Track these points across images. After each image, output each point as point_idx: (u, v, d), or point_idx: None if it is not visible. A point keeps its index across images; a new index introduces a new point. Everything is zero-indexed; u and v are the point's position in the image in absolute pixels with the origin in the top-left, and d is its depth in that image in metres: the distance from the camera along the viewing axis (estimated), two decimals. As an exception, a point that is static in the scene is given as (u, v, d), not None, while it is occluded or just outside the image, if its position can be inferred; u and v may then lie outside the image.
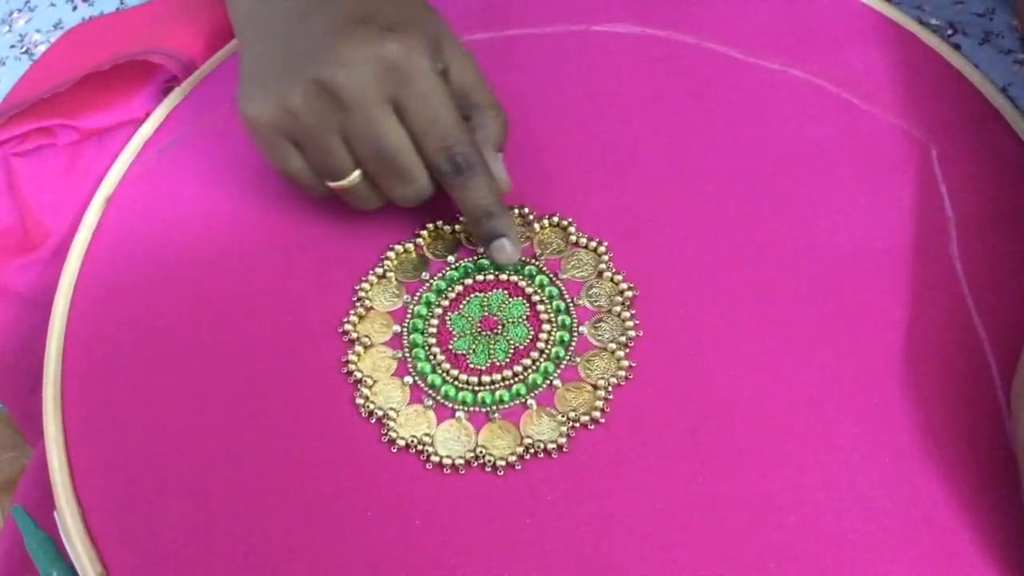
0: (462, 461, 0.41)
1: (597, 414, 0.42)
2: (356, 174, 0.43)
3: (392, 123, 0.42)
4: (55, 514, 0.41)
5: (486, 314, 0.45)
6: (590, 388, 0.43)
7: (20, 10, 0.62)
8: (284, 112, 0.41)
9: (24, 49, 0.60)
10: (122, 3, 0.62)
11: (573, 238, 0.47)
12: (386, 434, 0.42)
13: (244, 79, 0.43)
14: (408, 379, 0.44)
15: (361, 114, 0.41)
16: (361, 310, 0.46)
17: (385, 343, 0.45)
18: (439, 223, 0.48)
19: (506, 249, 0.44)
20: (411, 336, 0.45)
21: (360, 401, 0.43)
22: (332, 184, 0.44)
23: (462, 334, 0.45)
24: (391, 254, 0.47)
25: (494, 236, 0.44)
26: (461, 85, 0.44)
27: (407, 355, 0.45)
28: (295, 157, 0.43)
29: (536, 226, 0.48)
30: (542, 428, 0.42)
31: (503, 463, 0.41)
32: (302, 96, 0.41)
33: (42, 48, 0.60)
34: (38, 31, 0.61)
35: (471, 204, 0.43)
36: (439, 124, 0.42)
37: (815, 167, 0.48)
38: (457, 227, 0.48)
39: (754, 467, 0.40)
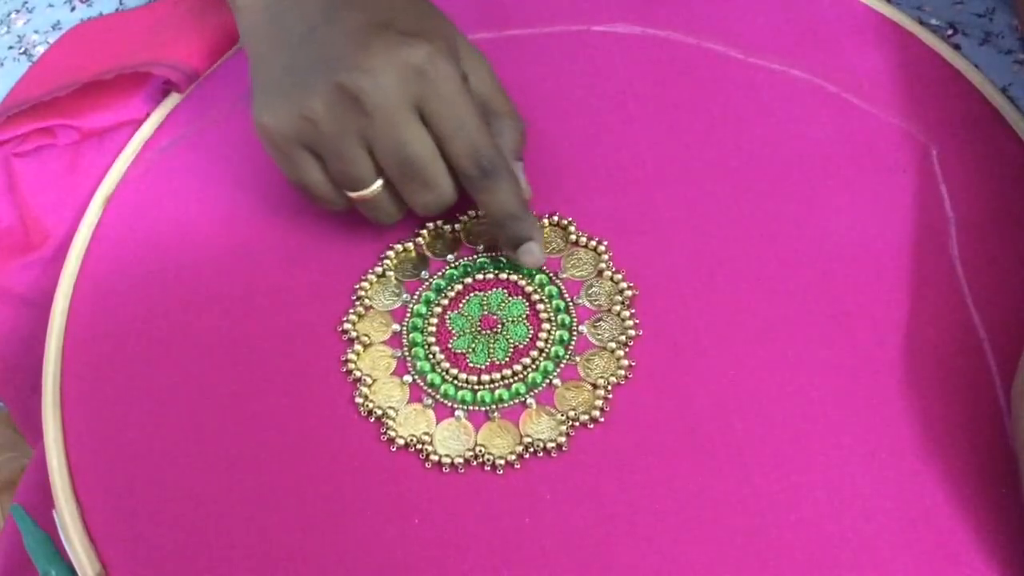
0: (461, 460, 0.41)
1: (597, 413, 0.42)
2: (379, 183, 0.43)
3: (417, 128, 0.41)
4: (54, 513, 0.41)
5: (486, 313, 0.45)
6: (589, 387, 0.43)
7: (18, 11, 0.62)
8: (303, 120, 0.41)
9: (22, 50, 0.60)
10: (121, 3, 0.62)
11: (573, 237, 0.47)
12: (385, 433, 0.42)
13: (258, 89, 0.43)
14: (407, 378, 0.44)
15: (385, 120, 0.41)
16: (360, 309, 0.46)
17: (384, 342, 0.45)
18: (439, 222, 0.48)
19: (534, 252, 0.44)
20: (410, 335, 0.45)
21: (359, 400, 0.43)
22: (353, 195, 0.43)
23: (461, 333, 0.45)
24: (391, 253, 0.47)
25: (521, 240, 0.44)
26: (480, 92, 0.44)
27: (406, 354, 0.44)
28: (314, 168, 0.43)
29: None
30: (541, 427, 0.42)
31: (502, 462, 0.41)
32: (323, 103, 0.40)
33: (40, 49, 0.60)
34: (36, 32, 0.61)
35: (498, 208, 0.43)
36: (465, 128, 0.41)
37: (815, 167, 0.48)
38: (457, 226, 0.48)
39: (754, 466, 0.40)
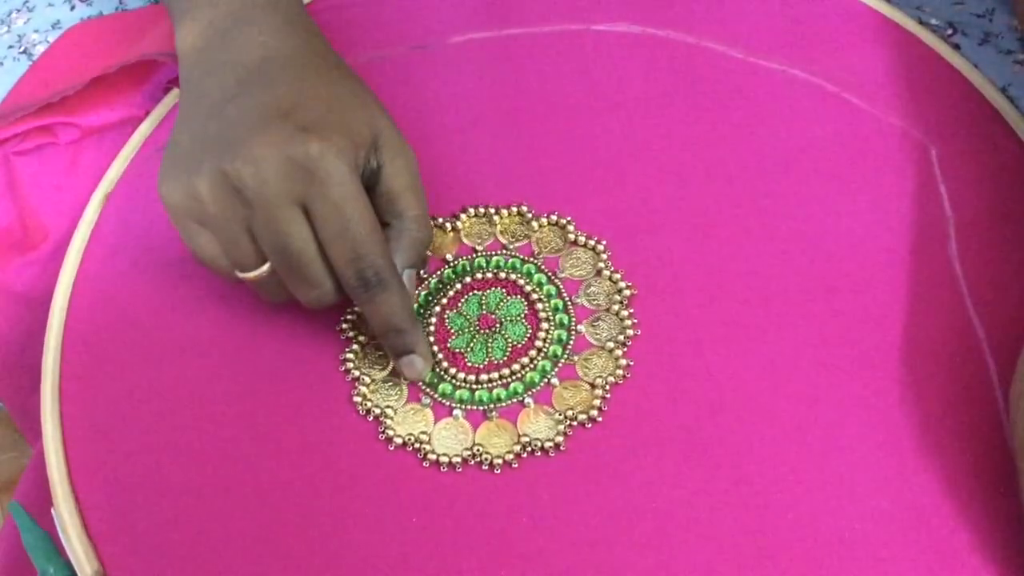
0: (459, 459, 0.41)
1: (595, 413, 0.42)
2: (264, 268, 0.42)
3: (297, 226, 0.40)
4: (52, 511, 0.41)
5: (484, 312, 0.45)
6: (588, 387, 0.43)
7: (18, 10, 0.61)
8: (192, 198, 0.40)
9: (22, 49, 0.60)
10: (121, 3, 0.61)
11: (572, 236, 0.47)
12: (383, 432, 0.42)
13: (166, 154, 0.42)
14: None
15: (264, 213, 0.39)
16: (356, 311, 0.45)
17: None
18: (439, 219, 0.48)
19: (415, 366, 0.42)
20: None
21: (357, 399, 0.43)
22: (240, 275, 0.42)
23: (460, 332, 0.45)
24: None
25: (404, 352, 0.42)
26: (390, 188, 0.42)
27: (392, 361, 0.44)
28: (208, 242, 0.42)
29: (535, 224, 0.48)
30: (539, 427, 0.41)
31: (500, 461, 0.41)
32: (209, 186, 0.40)
33: (40, 48, 0.60)
34: (36, 31, 0.60)
35: (379, 320, 0.41)
36: (348, 234, 0.39)
37: (814, 167, 0.48)
38: (457, 224, 0.48)
39: (752, 466, 0.39)
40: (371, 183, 0.42)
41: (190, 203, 0.40)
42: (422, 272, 0.47)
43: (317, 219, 0.40)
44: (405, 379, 0.43)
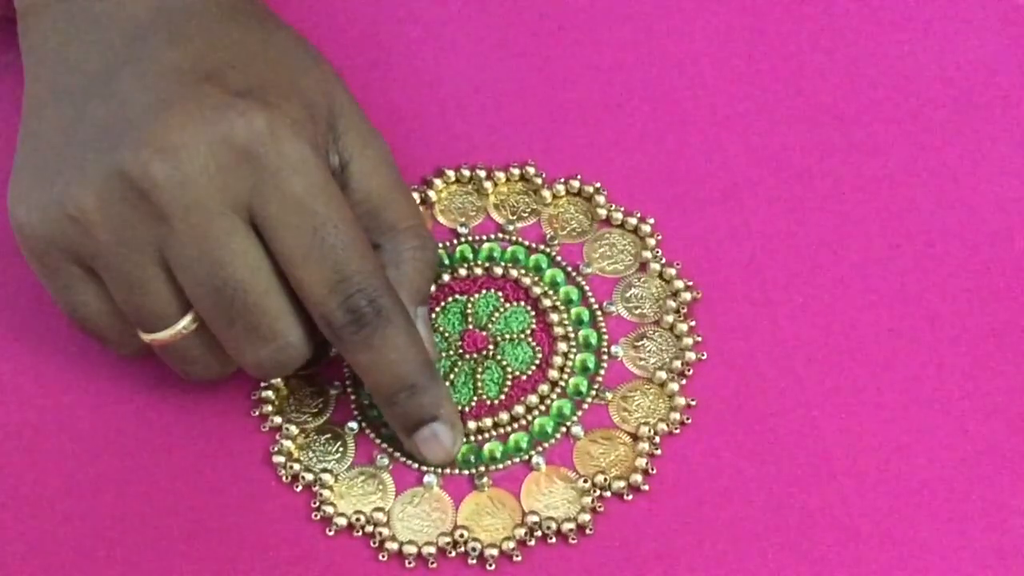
0: (433, 550, 0.40)
1: (638, 478, 0.41)
2: (185, 322, 0.40)
3: (241, 243, 0.39)
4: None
5: (471, 327, 0.45)
6: (627, 439, 0.42)
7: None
8: (68, 220, 0.39)
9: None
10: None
11: (603, 212, 0.47)
12: (319, 508, 0.41)
13: (17, 164, 0.41)
14: (351, 425, 0.43)
15: (190, 230, 0.38)
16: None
17: (317, 370, 0.44)
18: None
19: (441, 440, 0.41)
20: None
21: (279, 459, 0.42)
22: (147, 337, 0.41)
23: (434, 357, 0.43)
24: None
25: (422, 421, 0.41)
26: (368, 192, 0.42)
27: (350, 389, 0.44)
28: (89, 291, 0.41)
29: (546, 194, 0.47)
30: (554, 499, 0.41)
31: (495, 553, 0.40)
32: (97, 197, 0.38)
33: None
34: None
35: (384, 375, 0.40)
36: (325, 246, 0.39)
37: (967, 112, 0.48)
38: (430, 194, 0.48)
39: (869, 561, 0.39)
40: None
41: (65, 228, 0.39)
42: None
43: (271, 228, 0.39)
44: (427, 466, 0.42)
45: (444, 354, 0.44)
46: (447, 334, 0.45)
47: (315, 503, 0.41)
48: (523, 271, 0.45)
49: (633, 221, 0.46)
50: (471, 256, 0.46)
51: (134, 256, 0.39)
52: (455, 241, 0.47)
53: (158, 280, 0.39)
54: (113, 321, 0.41)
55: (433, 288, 0.45)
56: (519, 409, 0.42)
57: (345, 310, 0.39)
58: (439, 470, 0.42)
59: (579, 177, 0.47)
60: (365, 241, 0.40)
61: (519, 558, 0.39)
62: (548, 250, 0.46)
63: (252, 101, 0.39)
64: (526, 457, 0.42)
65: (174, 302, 0.40)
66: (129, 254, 0.39)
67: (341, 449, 0.42)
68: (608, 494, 0.40)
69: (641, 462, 0.41)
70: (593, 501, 0.40)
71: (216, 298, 0.39)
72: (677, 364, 0.43)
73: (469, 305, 0.45)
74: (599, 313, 0.44)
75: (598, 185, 0.47)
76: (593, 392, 0.43)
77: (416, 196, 0.47)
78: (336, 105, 0.42)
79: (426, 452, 0.41)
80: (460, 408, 0.43)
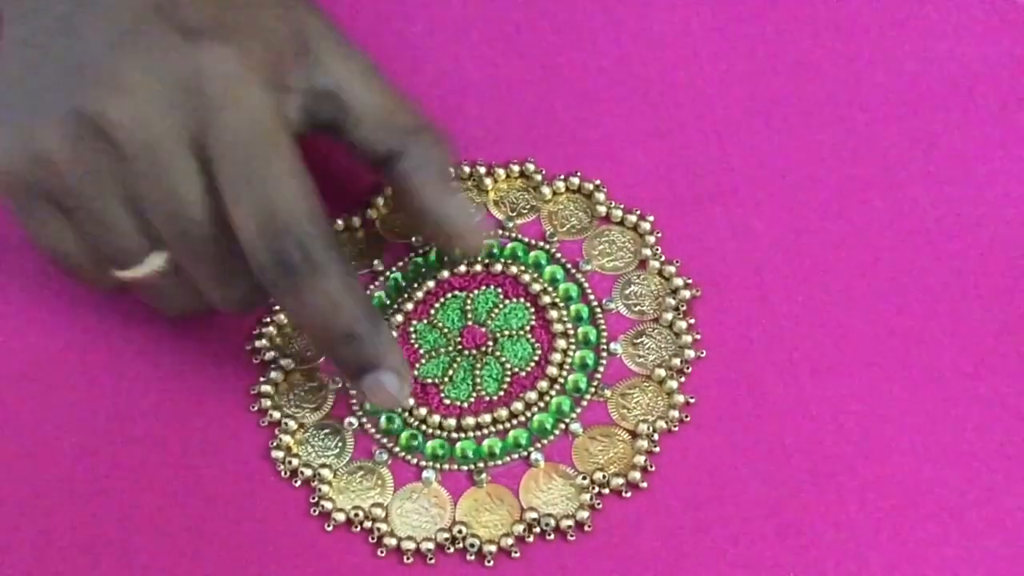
0: (431, 545, 0.40)
1: (636, 475, 0.41)
2: (160, 261, 0.41)
3: (198, 184, 0.39)
4: None
5: (470, 323, 0.45)
6: (626, 436, 0.42)
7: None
8: (34, 161, 0.39)
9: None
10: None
11: (602, 209, 0.47)
12: (317, 503, 0.41)
13: None
14: (350, 421, 0.43)
15: (149, 169, 0.39)
16: (280, 317, 0.45)
17: (315, 366, 0.45)
18: None
19: (385, 386, 0.41)
20: None
21: (277, 454, 0.43)
22: (119, 274, 0.41)
23: (433, 353, 0.44)
24: None
25: (364, 368, 0.41)
26: (367, 107, 0.42)
27: (349, 384, 0.44)
28: (61, 228, 0.41)
29: (545, 191, 0.47)
30: (553, 496, 0.41)
31: (494, 549, 0.40)
32: (59, 136, 0.39)
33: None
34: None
35: (316, 326, 0.40)
36: (259, 187, 0.38)
37: (973, 108, 0.48)
38: None
39: (874, 564, 0.39)
40: (323, 120, 0.42)
41: (31, 167, 0.39)
42: (375, 263, 0.47)
43: (215, 167, 0.39)
44: (373, 410, 0.43)
45: (443, 350, 0.44)
46: (446, 330, 0.45)
47: (314, 498, 0.41)
48: (522, 267, 0.45)
49: (633, 218, 0.46)
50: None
51: (100, 195, 0.39)
52: (455, 238, 0.46)
53: (126, 218, 0.40)
54: (87, 258, 0.41)
55: (432, 284, 0.46)
56: (518, 405, 0.43)
57: (272, 253, 0.39)
58: (437, 466, 0.42)
59: (579, 174, 0.47)
60: (306, 186, 0.40)
61: (517, 554, 0.40)
62: (548, 247, 0.46)
63: (204, 38, 0.39)
64: (525, 453, 0.42)
65: (143, 239, 0.40)
66: (95, 193, 0.39)
67: (340, 444, 0.43)
68: (606, 491, 0.41)
69: (640, 459, 0.41)
70: (591, 498, 0.40)
71: (180, 237, 0.39)
72: (676, 361, 0.43)
73: (468, 301, 0.45)
74: (598, 310, 0.44)
75: (598, 182, 0.47)
76: (592, 389, 0.43)
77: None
78: (308, 30, 0.42)
79: (372, 399, 0.41)
80: (459, 404, 0.43)
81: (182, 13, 0.40)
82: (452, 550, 0.40)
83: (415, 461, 0.42)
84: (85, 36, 0.40)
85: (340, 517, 0.41)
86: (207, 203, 0.39)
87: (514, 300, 0.45)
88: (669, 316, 0.44)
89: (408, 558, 0.40)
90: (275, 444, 0.42)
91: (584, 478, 0.41)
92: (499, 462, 0.42)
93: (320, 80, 0.42)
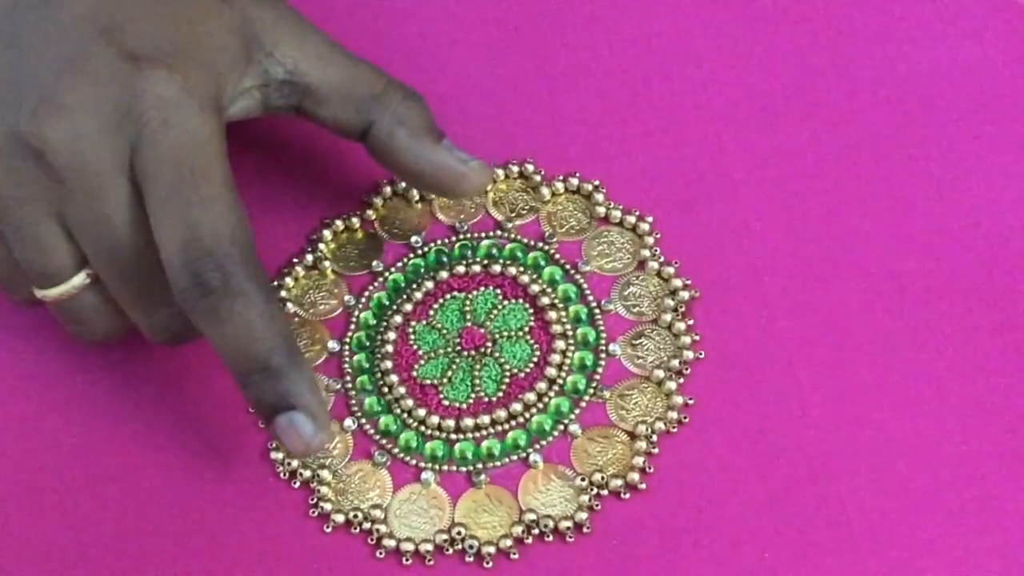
0: (430, 547, 0.40)
1: (635, 477, 0.41)
2: (79, 279, 0.40)
3: (132, 207, 0.39)
4: None
5: (469, 324, 0.45)
6: (624, 437, 0.42)
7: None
8: None
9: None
10: None
11: (601, 210, 0.47)
12: (316, 505, 0.42)
13: None
14: (349, 422, 0.43)
15: (82, 191, 0.39)
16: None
17: (316, 367, 0.45)
18: (400, 185, 0.48)
19: (299, 430, 0.38)
20: (354, 357, 0.45)
21: (276, 455, 0.43)
22: (39, 293, 0.41)
23: (432, 354, 0.44)
24: (326, 233, 0.47)
25: (277, 407, 0.39)
26: (330, 84, 0.43)
27: (348, 386, 0.44)
28: None
29: (544, 191, 0.47)
30: (552, 497, 0.41)
31: (492, 550, 0.40)
32: None
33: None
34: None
35: (231, 353, 0.38)
36: (185, 202, 0.38)
37: (968, 109, 0.48)
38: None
39: (870, 562, 0.39)
40: (289, 106, 0.43)
41: None
42: (375, 264, 0.46)
43: (145, 189, 0.39)
44: (287, 455, 0.42)
45: (442, 351, 0.44)
46: (445, 331, 0.45)
47: (312, 500, 0.41)
48: (521, 268, 0.45)
49: (632, 219, 0.46)
50: (469, 253, 0.46)
51: (31, 213, 0.39)
52: (454, 238, 0.47)
53: (55, 237, 0.40)
54: (12, 270, 0.41)
55: (431, 285, 0.46)
56: (517, 407, 0.43)
57: (189, 273, 0.38)
58: (436, 467, 0.42)
59: (578, 175, 0.47)
60: (234, 211, 0.39)
61: (516, 556, 0.40)
62: (546, 248, 0.46)
63: (145, 63, 0.39)
64: (524, 455, 0.42)
65: (69, 260, 0.40)
66: (26, 211, 0.39)
67: (339, 447, 0.43)
68: (605, 492, 0.41)
69: (638, 461, 0.41)
70: (590, 499, 0.40)
71: (108, 258, 0.39)
72: (675, 363, 0.43)
73: (467, 302, 0.45)
74: (597, 311, 0.44)
75: (597, 183, 0.47)
76: (591, 390, 0.43)
77: (412, 194, 0.47)
78: (256, 28, 0.42)
79: (284, 441, 0.39)
80: (458, 405, 0.43)
81: (128, 38, 0.40)
82: (451, 551, 0.40)
83: (414, 462, 0.42)
84: (31, 58, 0.40)
85: (339, 518, 0.41)
86: (138, 227, 0.39)
87: (513, 301, 0.45)
88: (668, 317, 0.44)
89: (407, 559, 0.40)
90: (274, 445, 0.42)
91: (583, 479, 0.41)
92: (498, 463, 0.42)
93: (275, 71, 0.42)
